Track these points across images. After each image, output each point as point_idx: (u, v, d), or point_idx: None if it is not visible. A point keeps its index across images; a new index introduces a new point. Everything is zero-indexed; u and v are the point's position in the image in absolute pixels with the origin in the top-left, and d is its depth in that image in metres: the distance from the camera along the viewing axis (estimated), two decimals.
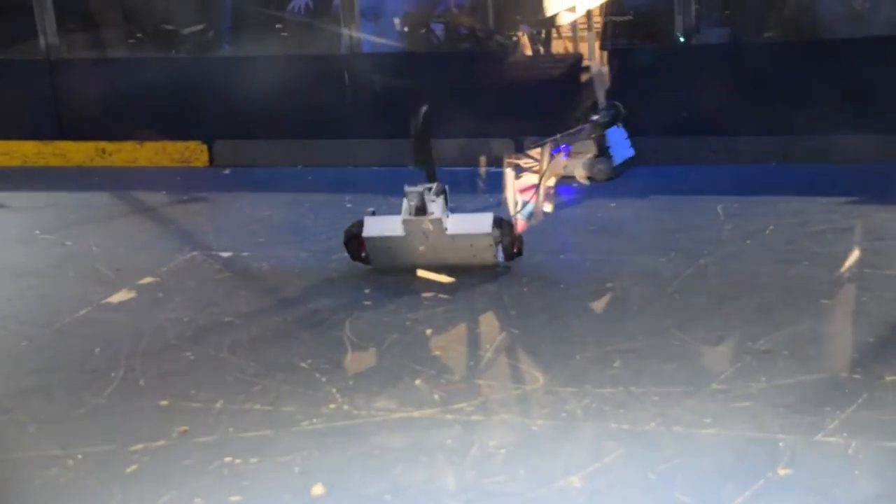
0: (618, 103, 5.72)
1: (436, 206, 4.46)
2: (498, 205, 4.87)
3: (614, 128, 5.72)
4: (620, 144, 5.79)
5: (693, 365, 3.59)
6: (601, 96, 5.78)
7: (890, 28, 5.76)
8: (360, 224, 4.59)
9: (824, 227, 4.75)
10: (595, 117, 5.68)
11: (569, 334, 3.88)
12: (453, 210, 4.56)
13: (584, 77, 6.63)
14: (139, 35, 7.41)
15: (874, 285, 4.09)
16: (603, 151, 5.68)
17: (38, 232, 5.50)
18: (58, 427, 3.47)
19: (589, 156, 5.69)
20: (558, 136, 5.40)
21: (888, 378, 3.38)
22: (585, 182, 5.69)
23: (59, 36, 6.96)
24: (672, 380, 3.48)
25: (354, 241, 4.62)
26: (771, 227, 4.80)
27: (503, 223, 4.50)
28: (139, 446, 3.29)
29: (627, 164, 5.82)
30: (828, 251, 4.47)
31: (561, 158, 5.62)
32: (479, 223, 4.48)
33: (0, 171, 6.82)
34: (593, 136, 5.65)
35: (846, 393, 3.31)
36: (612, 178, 5.68)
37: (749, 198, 5.21)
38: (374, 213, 4.64)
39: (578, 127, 5.64)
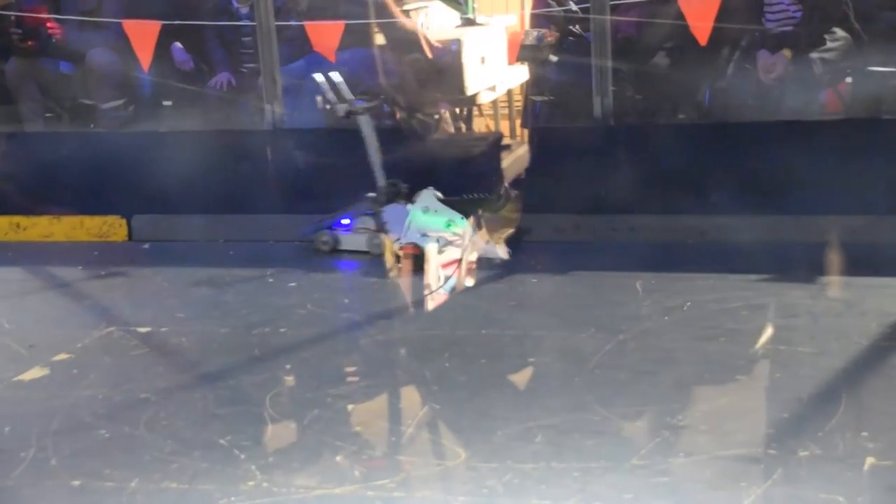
0: (397, 181, 5.95)
1: None
2: None
3: (395, 205, 5.89)
4: (399, 221, 5.87)
5: (613, 440, 3.61)
6: (379, 175, 5.94)
7: (796, 113, 5.99)
8: None
9: (740, 303, 4.86)
10: (372, 194, 5.93)
11: (490, 409, 3.89)
12: None
13: (504, 155, 6.75)
14: (56, 110, 7.36)
15: (788, 361, 4.18)
16: (381, 228, 5.87)
17: None
18: None
19: (368, 231, 5.93)
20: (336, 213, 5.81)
21: (802, 454, 3.44)
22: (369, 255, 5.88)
23: None
24: (593, 455, 3.50)
25: None
26: (688, 304, 4.89)
27: None
28: None
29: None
30: (743, 328, 4.57)
31: (344, 234, 5.94)
32: None
33: None
34: (371, 213, 5.90)
35: (762, 468, 3.35)
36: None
37: (667, 274, 5.31)
38: None
39: (356, 205, 5.94)
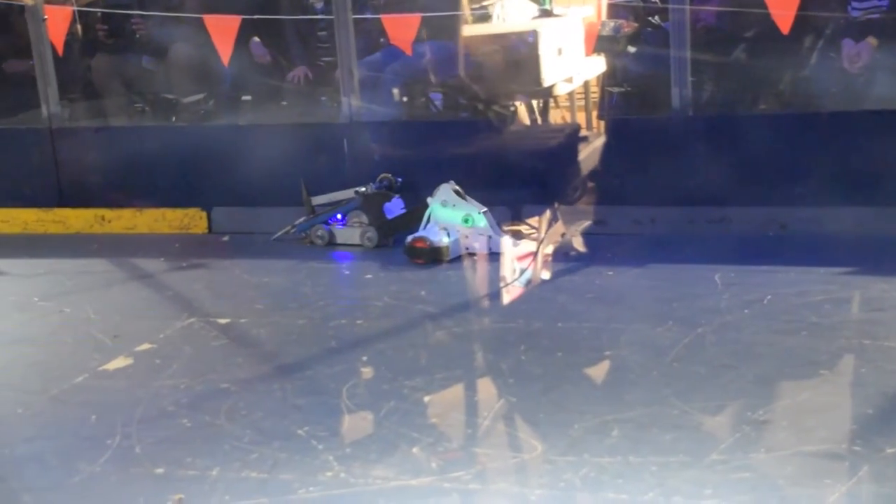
0: (389, 175, 6.07)
1: None
2: None
3: (395, 198, 6.06)
4: (393, 214, 6.04)
5: (692, 435, 3.57)
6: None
7: (883, 102, 5.84)
8: None
9: (822, 297, 4.76)
10: (363, 189, 6.05)
11: (567, 403, 3.87)
12: None
13: (581, 148, 6.71)
14: (140, 104, 7.50)
15: (873, 356, 4.09)
16: (373, 221, 6.00)
17: (36, 299, 5.50)
18: (52, 496, 3.44)
19: (362, 225, 6.05)
20: (329, 208, 6.10)
21: (889, 450, 3.36)
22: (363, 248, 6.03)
23: (61, 105, 7.04)
24: (671, 449, 3.46)
25: None
26: (769, 297, 4.81)
27: None
28: None
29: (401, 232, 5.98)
30: (826, 321, 4.48)
31: (339, 228, 6.11)
32: None
33: (0, 239, 6.84)
34: (363, 206, 6.04)
35: (847, 465, 3.29)
36: (381, 246, 5.98)
37: (746, 267, 5.23)
38: None
39: (348, 199, 6.06)
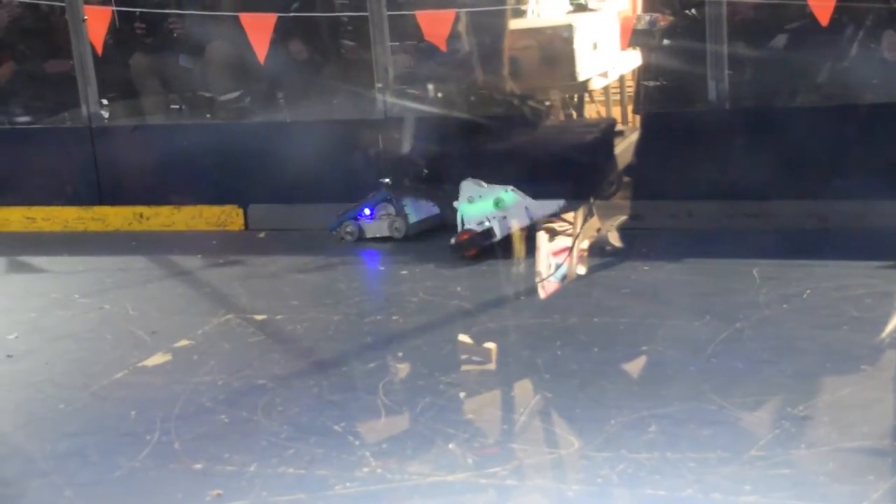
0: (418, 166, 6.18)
1: None
2: None
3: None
4: (419, 204, 6.11)
5: (731, 430, 3.54)
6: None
7: None
8: None
9: (863, 291, 4.70)
10: (386, 180, 6.11)
11: (603, 398, 3.85)
12: None
13: (616, 142, 6.68)
14: (177, 102, 7.56)
15: None
16: (399, 211, 6.04)
17: (76, 295, 5.56)
18: (93, 490, 3.47)
19: (390, 217, 6.10)
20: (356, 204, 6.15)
21: None
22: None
23: (100, 104, 7.11)
24: (709, 445, 3.43)
25: None
26: (808, 291, 4.76)
27: None
28: None
29: (429, 222, 6.09)
30: (867, 316, 4.42)
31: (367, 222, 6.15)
32: None
33: (42, 236, 6.92)
34: (389, 198, 6.11)
35: (890, 462, 3.24)
36: (409, 236, 6.04)
37: (785, 262, 5.18)
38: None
39: (373, 193, 6.12)
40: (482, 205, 5.71)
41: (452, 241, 5.67)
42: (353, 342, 4.61)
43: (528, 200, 5.73)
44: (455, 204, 5.79)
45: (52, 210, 7.08)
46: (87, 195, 7.03)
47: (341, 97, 7.10)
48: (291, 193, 6.62)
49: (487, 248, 5.59)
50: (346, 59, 7.18)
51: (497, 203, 5.68)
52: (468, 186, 5.78)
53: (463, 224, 5.73)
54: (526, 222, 5.67)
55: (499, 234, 5.62)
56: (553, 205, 5.73)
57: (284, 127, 6.85)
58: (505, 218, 5.69)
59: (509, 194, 5.71)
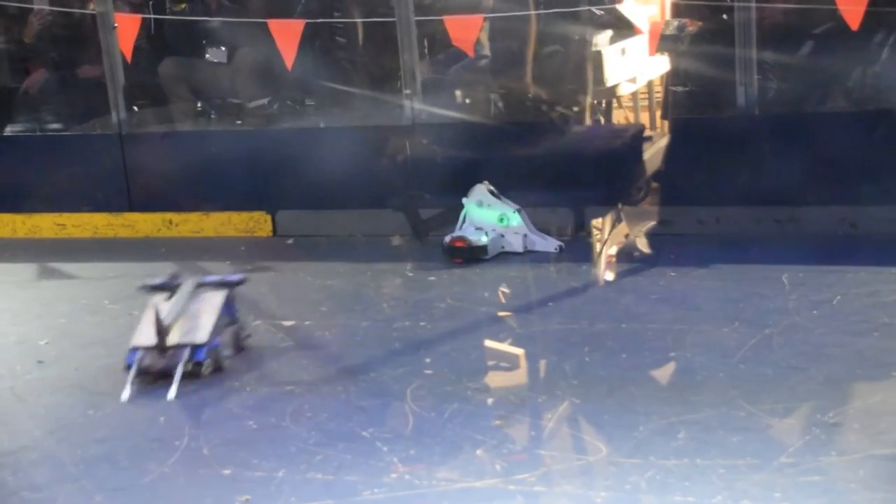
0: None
1: None
2: None
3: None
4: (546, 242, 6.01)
5: (760, 437, 3.52)
6: None
7: None
8: None
9: (894, 297, 4.66)
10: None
11: (632, 404, 3.84)
12: None
13: (645, 148, 6.65)
14: (206, 109, 7.59)
15: None
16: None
17: (106, 302, 5.60)
18: (123, 496, 3.50)
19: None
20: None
21: None
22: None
23: (129, 111, 7.16)
24: (739, 452, 3.41)
25: None
26: (838, 298, 4.72)
27: None
28: None
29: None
30: None
31: None
32: None
33: (72, 243, 6.97)
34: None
35: None
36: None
37: (815, 268, 5.14)
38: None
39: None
40: (488, 213, 5.76)
41: (447, 239, 5.73)
42: (381, 348, 4.62)
43: (530, 230, 5.74)
44: (464, 200, 5.82)
45: (81, 217, 7.13)
46: (117, 202, 7.08)
47: (368, 103, 7.11)
48: (319, 200, 6.64)
49: (474, 260, 5.65)
50: (373, 64, 7.19)
51: (501, 219, 5.73)
52: (481, 191, 5.82)
53: (464, 222, 5.78)
54: (520, 250, 5.71)
55: (489, 254, 5.67)
56: (552, 244, 5.72)
57: (312, 133, 6.87)
58: (503, 237, 5.73)
59: (515, 216, 5.75)
